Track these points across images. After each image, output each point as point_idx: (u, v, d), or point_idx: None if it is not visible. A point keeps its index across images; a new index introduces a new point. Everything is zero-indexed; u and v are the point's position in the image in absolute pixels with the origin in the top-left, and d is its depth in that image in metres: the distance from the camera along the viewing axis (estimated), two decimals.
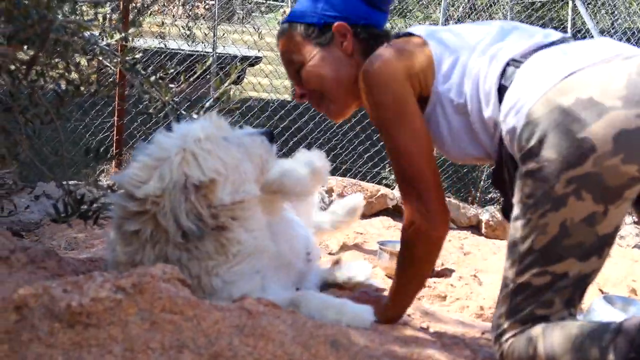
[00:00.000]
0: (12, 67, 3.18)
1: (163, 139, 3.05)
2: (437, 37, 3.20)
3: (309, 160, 3.43)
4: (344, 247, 6.11)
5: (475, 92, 3.04)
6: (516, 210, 2.85)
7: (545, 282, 2.79)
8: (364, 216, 7.37)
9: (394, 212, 7.64)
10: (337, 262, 4.54)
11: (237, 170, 3.06)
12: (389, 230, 7.07)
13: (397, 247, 5.11)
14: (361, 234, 6.67)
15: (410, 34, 3.26)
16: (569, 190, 2.69)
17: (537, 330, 2.79)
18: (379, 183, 8.90)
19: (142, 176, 2.98)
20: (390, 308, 3.32)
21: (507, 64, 3.00)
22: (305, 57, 3.38)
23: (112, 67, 3.90)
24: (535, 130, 2.76)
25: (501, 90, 2.97)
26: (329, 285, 4.19)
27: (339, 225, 4.36)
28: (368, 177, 9.93)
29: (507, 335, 2.86)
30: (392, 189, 8.02)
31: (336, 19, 3.34)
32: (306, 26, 3.37)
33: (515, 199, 2.86)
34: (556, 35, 3.14)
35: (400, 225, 7.31)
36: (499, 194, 3.16)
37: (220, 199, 2.97)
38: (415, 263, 3.23)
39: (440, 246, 3.20)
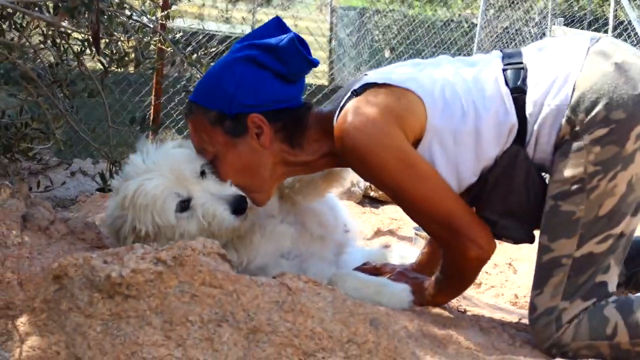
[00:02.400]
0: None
1: (135, 162, 3.06)
2: (407, 77, 3.08)
3: None
4: (378, 233, 6.10)
5: (483, 107, 3.02)
6: (571, 187, 2.90)
7: (606, 248, 2.88)
8: None
9: None
10: (387, 246, 4.53)
11: (172, 230, 2.99)
12: None
13: None
14: (395, 220, 6.65)
15: (370, 85, 3.06)
16: (637, 146, 2.82)
17: (610, 309, 2.85)
18: None
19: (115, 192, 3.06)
20: (431, 301, 3.28)
21: (504, 70, 3.08)
22: (217, 148, 3.07)
23: (153, 44, 3.90)
24: (597, 97, 2.85)
25: (513, 92, 3.03)
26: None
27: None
28: None
29: (568, 317, 2.88)
30: None
31: (251, 109, 3.03)
32: (217, 114, 3.03)
33: (570, 175, 2.90)
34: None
35: None
36: None
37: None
38: (466, 278, 3.18)
39: (488, 260, 3.14)
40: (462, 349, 2.62)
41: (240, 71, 3.01)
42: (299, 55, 3.01)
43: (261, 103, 3.02)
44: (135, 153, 3.09)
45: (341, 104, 3.05)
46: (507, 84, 3.05)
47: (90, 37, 2.50)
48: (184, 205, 2.99)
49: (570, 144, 2.89)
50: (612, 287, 2.92)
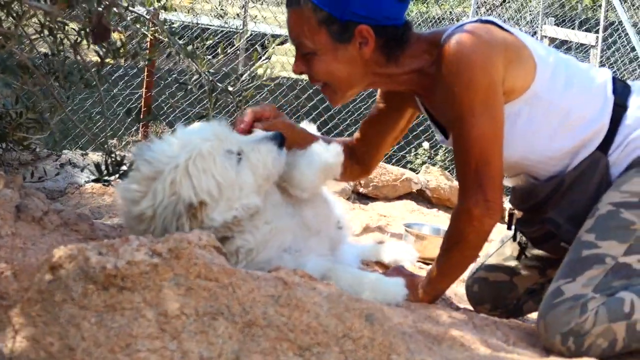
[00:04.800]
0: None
1: (163, 148, 2.95)
2: (526, 36, 3.23)
3: (322, 156, 3.25)
4: (367, 229, 6.11)
5: (585, 95, 3.21)
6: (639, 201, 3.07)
7: None
8: (388, 199, 7.38)
9: (417, 196, 7.65)
10: (381, 242, 4.55)
11: (232, 187, 2.96)
12: (413, 214, 7.08)
13: (423, 230, 5.17)
14: (384, 216, 6.68)
15: (493, 23, 3.19)
16: None
17: (622, 293, 2.95)
18: (404, 167, 8.90)
19: (140, 190, 2.91)
20: (429, 291, 3.30)
21: (614, 79, 3.29)
22: (317, 47, 3.13)
23: (149, 35, 3.88)
24: None
25: (616, 101, 3.23)
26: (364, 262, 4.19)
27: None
28: (393, 161, 9.92)
29: (593, 305, 2.92)
30: (416, 173, 8.02)
31: (362, 20, 3.08)
32: (327, 15, 3.06)
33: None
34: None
35: (423, 209, 7.39)
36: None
37: (211, 219, 2.90)
38: (465, 249, 3.23)
39: (489, 233, 3.21)
40: (456, 346, 2.63)
41: None
42: None
43: (373, 16, 3.09)
44: (140, 148, 3.04)
45: (458, 24, 3.17)
46: (614, 92, 3.23)
47: (89, 27, 2.45)
48: (238, 158, 3.00)
49: None
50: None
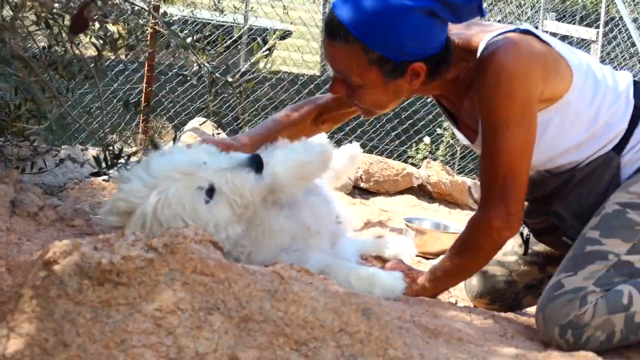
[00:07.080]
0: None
1: (134, 187, 2.87)
2: (562, 45, 3.23)
3: (302, 155, 3.15)
4: (368, 224, 6.10)
5: (609, 102, 3.20)
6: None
7: None
8: (389, 194, 7.36)
9: (418, 191, 7.62)
10: (380, 237, 4.55)
11: (207, 226, 2.83)
12: (414, 209, 7.07)
13: (423, 225, 5.17)
14: (385, 211, 6.66)
15: (531, 33, 3.15)
16: None
17: (622, 285, 2.97)
18: (405, 162, 8.88)
19: (121, 223, 2.88)
20: (431, 288, 3.33)
21: (635, 82, 3.31)
22: (366, 82, 3.06)
23: (148, 27, 3.87)
24: None
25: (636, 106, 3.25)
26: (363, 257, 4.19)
27: (340, 175, 4.17)
28: (394, 155, 9.91)
29: (593, 297, 2.93)
30: (417, 168, 8.00)
31: (416, 58, 3.01)
32: (380, 57, 2.96)
33: None
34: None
35: (425, 204, 7.38)
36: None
37: None
38: (478, 256, 3.25)
39: (504, 244, 3.25)
40: (454, 340, 2.62)
41: (416, 22, 2.92)
42: (477, 11, 2.99)
43: (426, 52, 3.02)
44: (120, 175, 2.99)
45: (496, 32, 3.12)
46: (635, 95, 3.25)
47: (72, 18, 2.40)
48: (210, 193, 2.89)
49: None
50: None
